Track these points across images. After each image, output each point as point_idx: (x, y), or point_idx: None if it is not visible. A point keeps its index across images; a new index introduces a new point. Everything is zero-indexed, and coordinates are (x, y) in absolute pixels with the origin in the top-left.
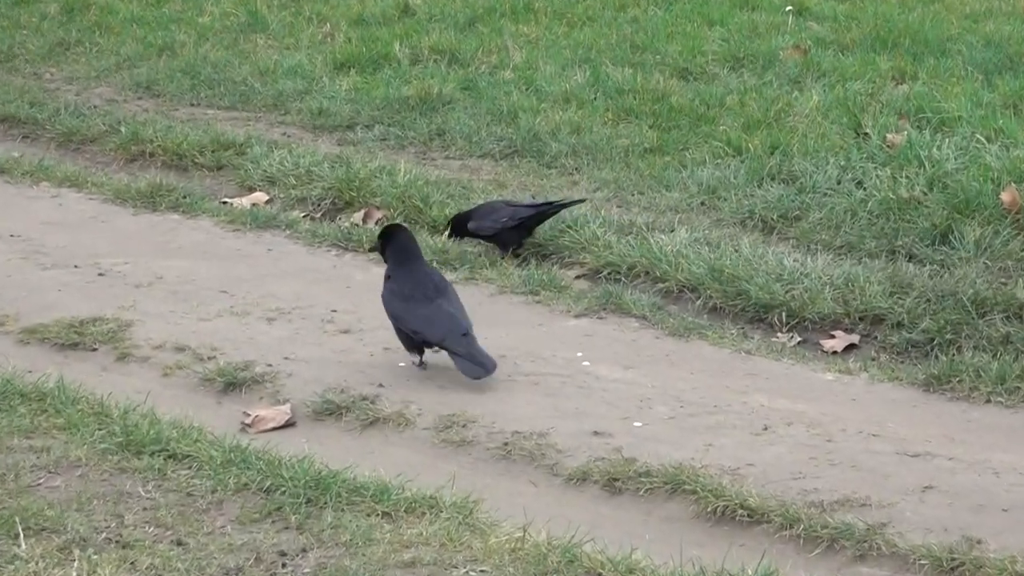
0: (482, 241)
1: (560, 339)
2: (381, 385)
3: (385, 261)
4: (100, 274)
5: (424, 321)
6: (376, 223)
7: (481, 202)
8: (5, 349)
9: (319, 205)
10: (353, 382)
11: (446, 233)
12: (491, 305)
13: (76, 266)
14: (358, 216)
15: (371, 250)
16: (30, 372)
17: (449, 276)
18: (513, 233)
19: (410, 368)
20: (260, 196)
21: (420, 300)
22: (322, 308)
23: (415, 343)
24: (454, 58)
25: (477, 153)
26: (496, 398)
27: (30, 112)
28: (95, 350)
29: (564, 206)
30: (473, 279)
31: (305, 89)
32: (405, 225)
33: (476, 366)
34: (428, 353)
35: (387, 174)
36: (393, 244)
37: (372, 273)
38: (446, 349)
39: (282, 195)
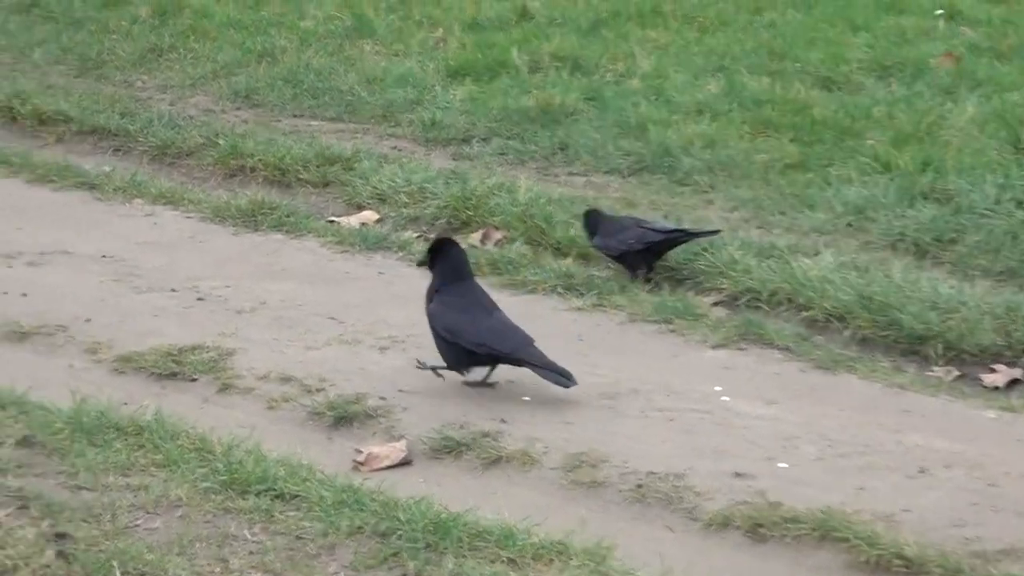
0: (609, 262)
1: (696, 371)
2: (504, 420)
3: (433, 275)
4: (199, 298)
5: (491, 333)
6: (496, 244)
7: (613, 216)
8: (99, 379)
9: (433, 224)
10: (473, 417)
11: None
12: (621, 334)
13: (173, 290)
14: (476, 237)
15: (419, 264)
16: (126, 404)
17: (575, 303)
18: (639, 256)
19: (536, 402)
20: (369, 215)
21: (481, 313)
22: None
23: (473, 359)
24: (577, 66)
25: (603, 169)
26: (628, 435)
27: (121, 123)
28: (195, 380)
29: (697, 235)
30: (601, 306)
31: (416, 99)
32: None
33: (562, 376)
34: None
35: (506, 191)
36: (446, 258)
37: (493, 298)
38: (520, 362)
39: (393, 214)
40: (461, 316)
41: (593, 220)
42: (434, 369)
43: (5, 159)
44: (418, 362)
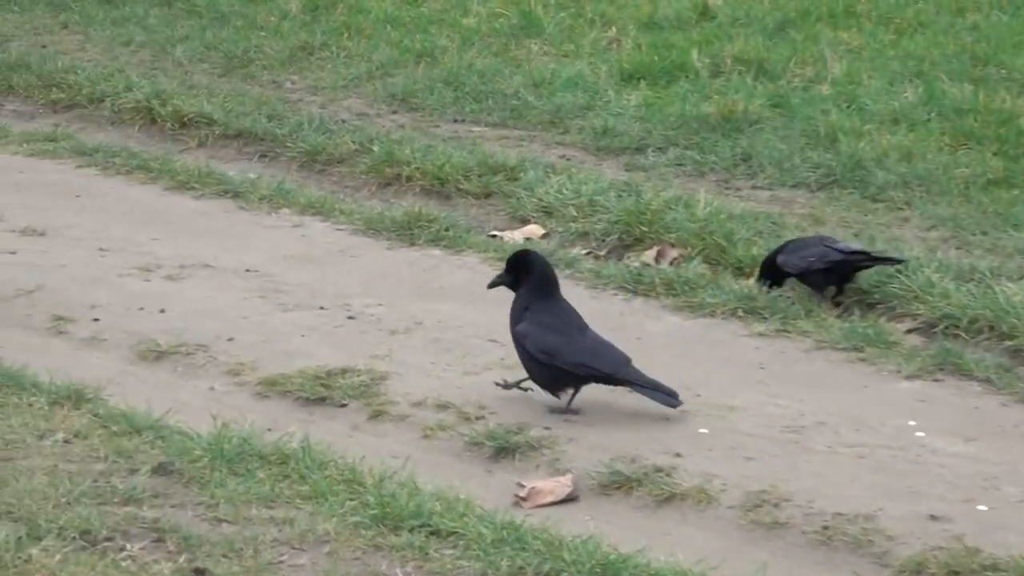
0: (796, 282)
1: (889, 404)
2: (678, 454)
3: (515, 290)
4: (350, 317)
5: (590, 353)
6: (672, 263)
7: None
8: (241, 403)
9: (604, 241)
10: (645, 450)
11: (755, 277)
12: (807, 363)
13: (322, 307)
14: (650, 255)
15: (491, 285)
16: (270, 430)
17: (756, 327)
18: (820, 276)
19: (712, 435)
20: (535, 229)
21: (576, 332)
22: None
23: (571, 380)
24: (762, 69)
25: (789, 182)
26: (813, 473)
27: (268, 127)
28: (344, 406)
29: (881, 261)
30: (785, 331)
31: (587, 104)
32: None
33: (668, 395)
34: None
35: (684, 206)
36: (532, 272)
37: (667, 322)
38: (622, 382)
39: (560, 228)
40: (557, 336)
41: (769, 263)
42: (518, 385)
43: (143, 164)
44: (503, 382)
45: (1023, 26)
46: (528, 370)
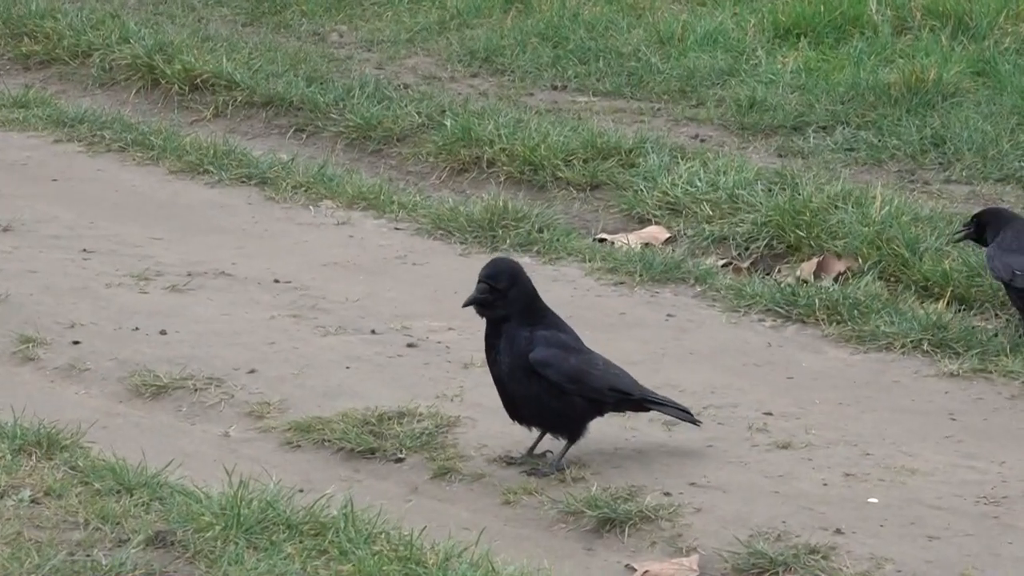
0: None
1: None
2: (839, 531)
3: (513, 310)
4: (410, 344)
5: (613, 375)
6: (836, 279)
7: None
8: (265, 455)
9: (748, 249)
10: (795, 524)
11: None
12: (1012, 412)
13: (374, 331)
14: (807, 267)
15: (479, 303)
16: (302, 491)
17: (947, 366)
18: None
19: (885, 506)
20: (657, 232)
21: (586, 351)
22: (749, 409)
23: (593, 413)
24: (962, 25)
25: (995, 175)
26: (1018, 558)
27: (307, 93)
28: (401, 461)
29: None
30: (984, 371)
31: (729, 68)
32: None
33: (683, 411)
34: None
35: (854, 204)
36: (524, 285)
37: (828, 357)
38: (644, 403)
39: (690, 231)
40: (577, 357)
41: (994, 221)
42: (531, 454)
43: (141, 140)
44: (508, 458)
45: None
46: (543, 411)
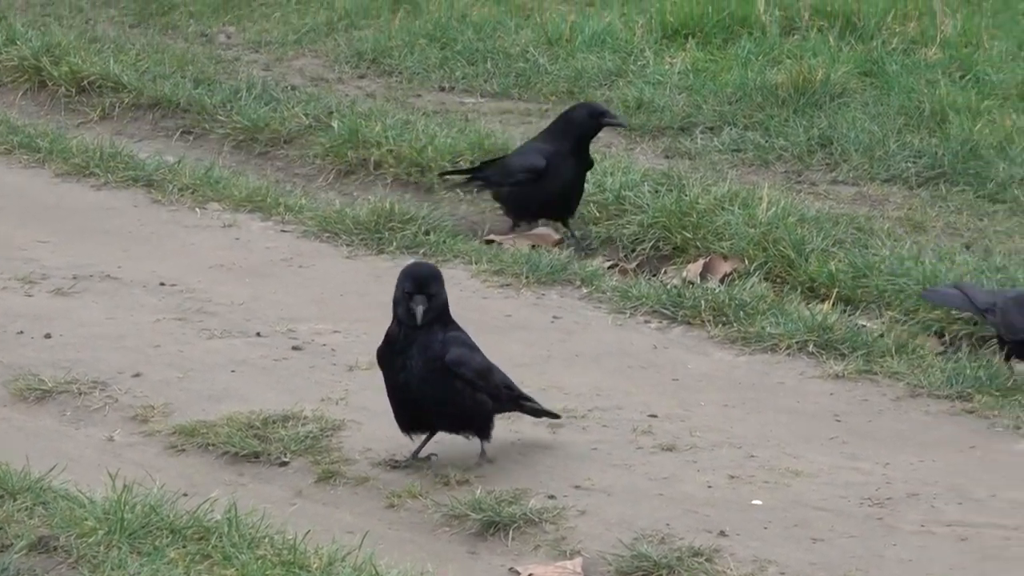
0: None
1: (1003, 471)
2: (723, 533)
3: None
4: (295, 347)
5: (503, 374)
6: (723, 280)
7: None
8: (149, 459)
9: (634, 250)
10: (679, 526)
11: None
12: (897, 415)
13: (259, 334)
14: (694, 268)
15: (423, 320)
16: (185, 496)
17: (832, 367)
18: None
19: (769, 508)
20: (546, 234)
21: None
22: (634, 411)
23: (497, 405)
24: (849, 25)
25: (882, 176)
26: (902, 559)
27: (194, 95)
28: (285, 465)
29: None
30: (869, 372)
31: (616, 69)
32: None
33: (549, 414)
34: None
35: (741, 205)
36: (441, 286)
37: (714, 359)
38: (522, 400)
39: (578, 232)
40: (481, 357)
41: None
42: (416, 456)
43: (27, 142)
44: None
45: None
46: (460, 412)
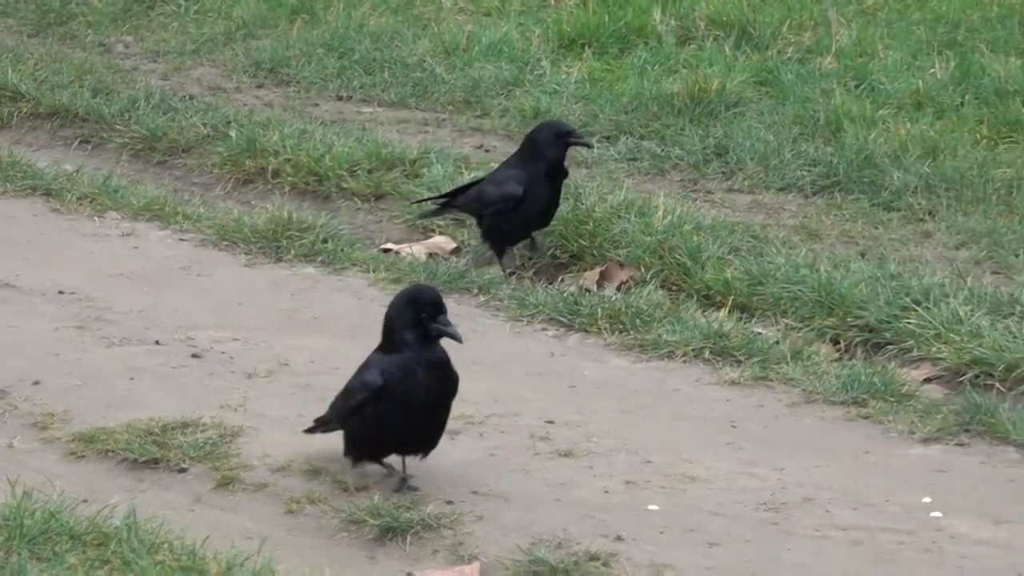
0: None
1: (897, 476)
2: (620, 538)
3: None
4: (194, 355)
5: None
6: (619, 288)
7: None
8: (49, 466)
9: (531, 259)
10: (576, 531)
11: None
12: (792, 420)
13: (158, 342)
14: (591, 276)
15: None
16: (85, 502)
17: (728, 373)
18: None
19: (665, 513)
20: (442, 242)
21: None
22: (532, 417)
23: None
24: (745, 35)
25: (776, 184)
26: (796, 563)
27: (92, 104)
28: (184, 471)
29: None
30: (765, 379)
31: (514, 78)
32: None
33: None
34: None
35: (638, 213)
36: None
37: (611, 366)
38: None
39: (475, 241)
40: None
41: None
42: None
43: None
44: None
45: None
46: (444, 422)
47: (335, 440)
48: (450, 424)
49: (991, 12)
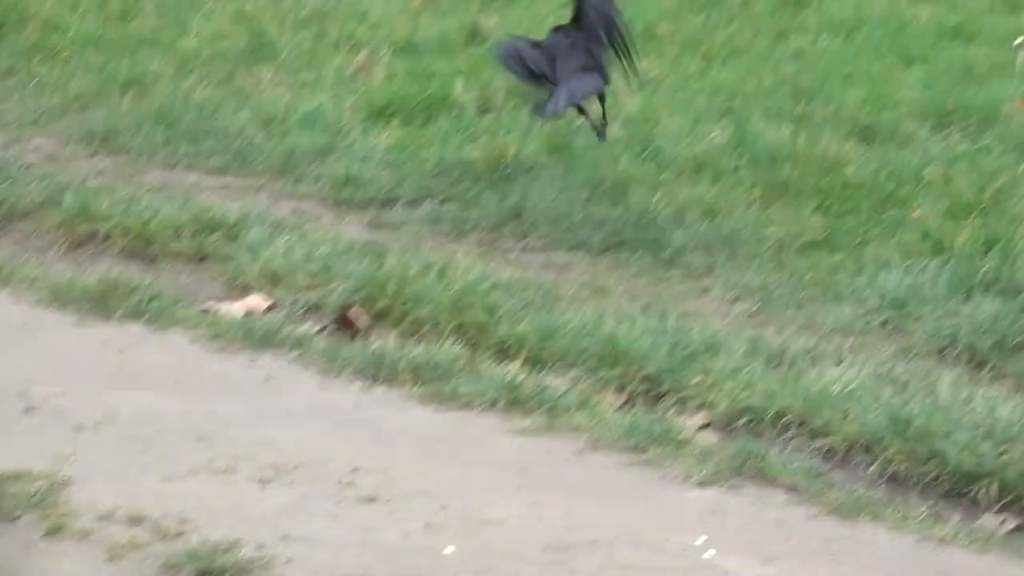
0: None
1: (675, 517)
2: None
3: None
4: (26, 409)
5: None
6: (364, 333)
7: None
8: None
9: (338, 316)
10: (378, 573)
11: None
12: (578, 466)
13: None
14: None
15: None
16: None
17: (520, 423)
18: None
19: (459, 556)
20: (257, 300)
21: None
22: (339, 465)
23: None
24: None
25: (567, 244)
26: None
27: None
28: (16, 519)
29: None
30: (553, 428)
31: (326, 146)
32: None
33: None
34: None
35: (438, 273)
36: None
37: (412, 416)
38: None
39: (289, 300)
40: None
41: None
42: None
43: None
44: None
45: (857, 53)
46: None
47: (161, 489)
48: (261, 472)
49: (765, 82)
